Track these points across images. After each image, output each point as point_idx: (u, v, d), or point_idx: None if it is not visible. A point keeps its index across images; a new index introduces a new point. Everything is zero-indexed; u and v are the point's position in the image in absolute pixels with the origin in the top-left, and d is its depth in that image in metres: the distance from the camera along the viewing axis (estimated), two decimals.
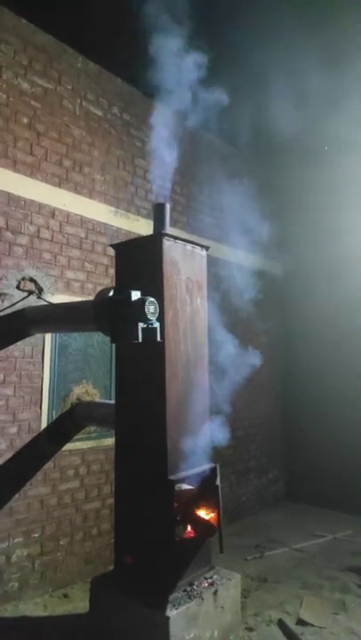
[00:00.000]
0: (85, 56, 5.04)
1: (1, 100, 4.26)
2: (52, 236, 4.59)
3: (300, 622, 3.78)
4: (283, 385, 7.73)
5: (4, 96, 4.29)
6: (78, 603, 4.09)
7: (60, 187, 4.68)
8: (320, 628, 3.72)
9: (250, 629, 3.68)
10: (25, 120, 4.44)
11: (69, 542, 4.48)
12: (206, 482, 3.55)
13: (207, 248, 4.02)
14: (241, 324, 5.91)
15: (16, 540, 4.09)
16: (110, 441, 4.67)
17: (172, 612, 3.10)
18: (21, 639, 3.55)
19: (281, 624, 3.75)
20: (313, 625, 3.75)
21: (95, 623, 3.55)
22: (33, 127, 4.50)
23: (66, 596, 4.25)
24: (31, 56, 4.53)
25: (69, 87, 4.87)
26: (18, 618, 3.85)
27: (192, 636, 3.19)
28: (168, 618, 3.06)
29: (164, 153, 4.29)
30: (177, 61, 3.93)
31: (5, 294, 4.17)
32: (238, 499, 6.55)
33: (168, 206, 3.88)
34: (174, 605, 3.18)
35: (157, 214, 3.85)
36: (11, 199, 4.27)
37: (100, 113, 5.17)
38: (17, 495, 4.13)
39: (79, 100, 4.96)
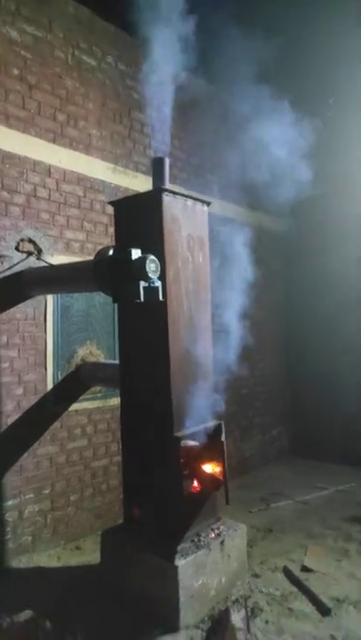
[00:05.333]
0: (77, 1, 4.75)
1: None
2: (50, 195, 4.47)
3: (305, 569, 3.91)
4: (286, 342, 7.73)
5: None
6: (90, 554, 4.24)
7: (54, 142, 4.51)
8: (323, 574, 3.85)
9: (256, 576, 3.81)
10: (15, 71, 4.23)
11: (79, 498, 4.61)
12: (212, 438, 3.59)
13: (208, 204, 3.91)
14: (244, 282, 5.83)
15: (27, 497, 4.20)
16: (116, 400, 4.71)
17: (180, 562, 3.21)
18: (36, 586, 3.70)
19: (286, 571, 3.88)
20: (317, 571, 3.88)
21: (107, 573, 3.69)
22: (24, 79, 4.29)
23: (78, 548, 4.40)
24: (19, 0, 4.26)
25: (61, 35, 4.60)
26: (32, 568, 4.01)
27: (200, 583, 3.31)
28: (177, 567, 3.17)
29: (161, 104, 4.09)
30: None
31: (4, 256, 4.10)
32: (243, 454, 6.68)
33: (167, 160, 3.73)
34: (182, 555, 3.28)
35: (156, 169, 3.71)
36: (5, 156, 4.13)
37: (93, 62, 4.91)
38: (26, 454, 4.21)
39: (71, 48, 4.70)
